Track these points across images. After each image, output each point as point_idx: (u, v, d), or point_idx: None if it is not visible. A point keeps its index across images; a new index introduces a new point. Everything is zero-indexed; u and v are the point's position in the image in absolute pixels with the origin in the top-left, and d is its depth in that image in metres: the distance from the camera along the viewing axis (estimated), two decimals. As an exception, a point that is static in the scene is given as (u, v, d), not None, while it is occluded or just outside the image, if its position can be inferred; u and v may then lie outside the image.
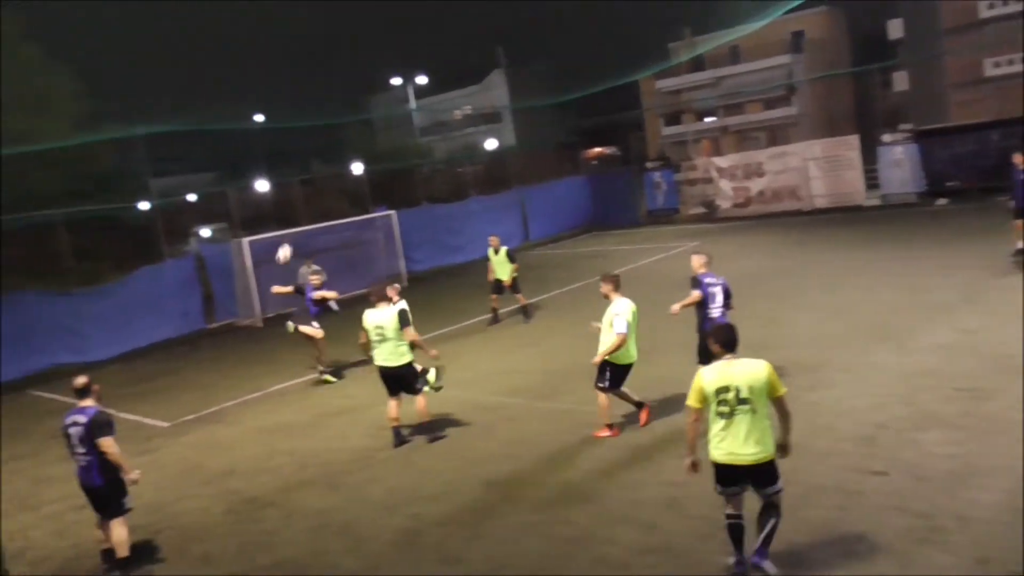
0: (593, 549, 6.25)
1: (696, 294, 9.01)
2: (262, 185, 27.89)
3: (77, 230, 20.65)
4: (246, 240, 19.67)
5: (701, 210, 27.45)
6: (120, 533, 6.94)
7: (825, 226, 21.86)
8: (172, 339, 18.78)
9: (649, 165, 30.13)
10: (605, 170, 39.47)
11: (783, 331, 11.72)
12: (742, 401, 5.42)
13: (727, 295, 9.20)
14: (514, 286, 15.60)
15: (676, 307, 9.05)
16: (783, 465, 7.04)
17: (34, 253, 20.43)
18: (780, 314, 12.82)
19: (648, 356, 11.31)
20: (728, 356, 5.67)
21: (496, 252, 15.68)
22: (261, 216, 29.24)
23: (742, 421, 5.41)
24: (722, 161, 27.71)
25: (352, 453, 9.35)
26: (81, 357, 17.31)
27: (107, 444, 6.73)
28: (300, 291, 13.19)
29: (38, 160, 22.69)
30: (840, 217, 23.08)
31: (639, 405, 8.92)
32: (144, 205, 23.24)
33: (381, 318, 9.10)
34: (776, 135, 53.79)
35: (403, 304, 9.66)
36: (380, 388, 11.86)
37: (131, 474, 6.92)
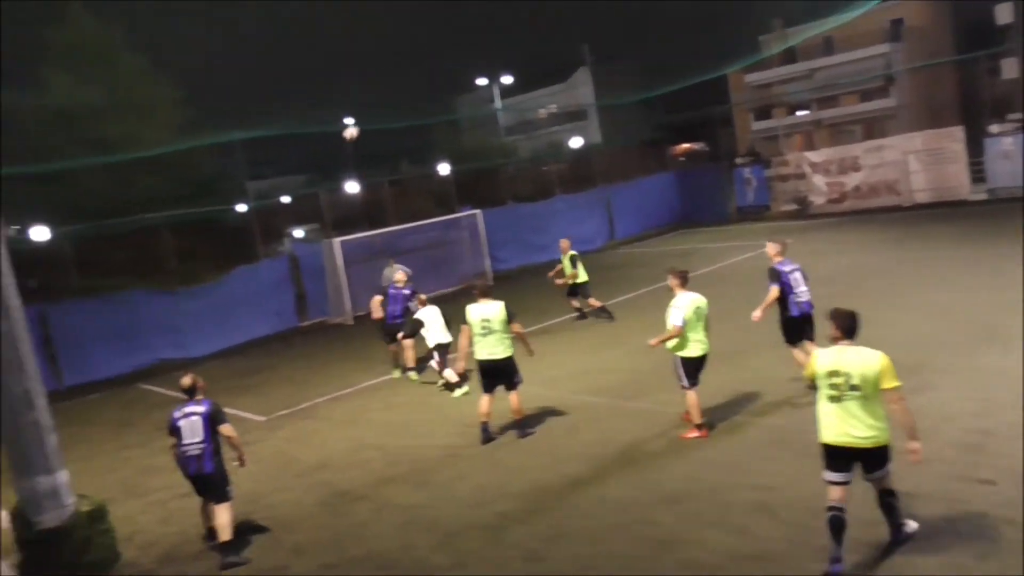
0: (681, 552, 6.16)
1: (774, 290, 9.23)
2: (352, 186, 28.55)
3: (179, 232, 21.64)
4: (337, 240, 20.21)
5: (793, 207, 26.67)
6: (224, 517, 7.40)
7: (926, 222, 20.90)
8: (267, 336, 19.45)
9: (738, 161, 29.45)
10: (693, 166, 38.80)
11: (880, 332, 11.20)
12: (853, 388, 5.47)
13: (806, 278, 9.47)
14: (582, 291, 15.55)
15: (758, 313, 9.18)
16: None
17: (141, 254, 21.53)
18: (877, 314, 12.30)
19: (736, 358, 11.13)
20: (845, 342, 5.72)
21: (566, 256, 15.77)
22: (351, 217, 29.96)
23: (853, 407, 5.46)
24: (815, 156, 26.84)
25: (439, 450, 9.48)
26: (183, 353, 18.13)
27: (228, 429, 7.49)
28: (385, 295, 13.45)
29: (144, 166, 23.89)
30: (942, 212, 22.03)
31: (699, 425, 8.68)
32: (241, 207, 24.15)
33: (488, 311, 9.26)
34: (873, 128, 51.76)
35: (431, 310, 11.51)
36: (467, 385, 12.06)
37: (243, 458, 7.67)
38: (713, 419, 8.88)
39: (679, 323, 8.36)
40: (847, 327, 5.76)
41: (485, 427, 9.42)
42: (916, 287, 13.66)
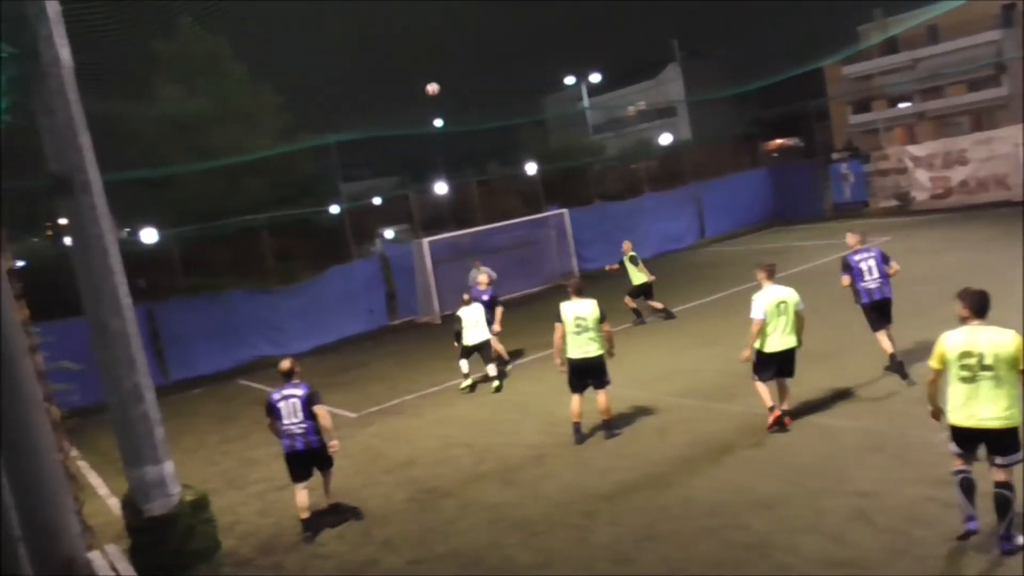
0: (772, 557, 6.00)
1: (844, 279, 10.06)
2: (441, 187, 28.97)
3: (278, 233, 22.43)
4: (425, 240, 20.55)
5: (893, 203, 25.58)
6: (330, 483, 8.31)
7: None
8: (359, 334, 19.94)
9: (835, 156, 28.49)
10: (787, 162, 37.69)
11: (989, 333, 10.68)
12: (985, 367, 5.41)
13: (885, 261, 9.83)
14: (644, 292, 15.57)
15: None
16: (989, 480, 6.46)
17: (242, 255, 22.42)
18: (987, 315, 11.70)
19: (829, 359, 10.77)
20: (976, 321, 5.68)
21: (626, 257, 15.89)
22: (440, 217, 30.40)
23: (985, 387, 5.40)
24: (918, 149, 25.65)
25: (526, 449, 9.52)
26: (281, 350, 18.72)
27: (323, 412, 8.05)
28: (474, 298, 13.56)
29: (248, 169, 24.88)
30: (1059, 207, 20.73)
31: (771, 408, 8.63)
32: (335, 209, 24.82)
33: (582, 309, 9.25)
34: (982, 119, 49.18)
35: (471, 309, 12.57)
36: (552, 385, 12.07)
37: (333, 442, 8.11)
38: (807, 422, 8.62)
39: (757, 316, 8.54)
40: (977, 306, 5.71)
41: (577, 427, 9.38)
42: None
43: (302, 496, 8.10)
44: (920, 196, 24.92)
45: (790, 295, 8.60)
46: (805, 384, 9.96)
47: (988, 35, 48.77)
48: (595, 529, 7.04)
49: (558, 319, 9.37)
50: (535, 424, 10.42)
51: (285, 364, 8.39)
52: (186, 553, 7.61)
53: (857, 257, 9.87)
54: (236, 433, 12.92)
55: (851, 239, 10.13)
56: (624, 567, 6.30)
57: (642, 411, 10.05)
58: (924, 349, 10.42)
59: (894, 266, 9.96)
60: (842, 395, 9.34)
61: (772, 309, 8.49)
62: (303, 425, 7.98)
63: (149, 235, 19.41)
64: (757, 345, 8.62)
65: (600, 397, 9.34)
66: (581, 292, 9.45)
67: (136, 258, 21.35)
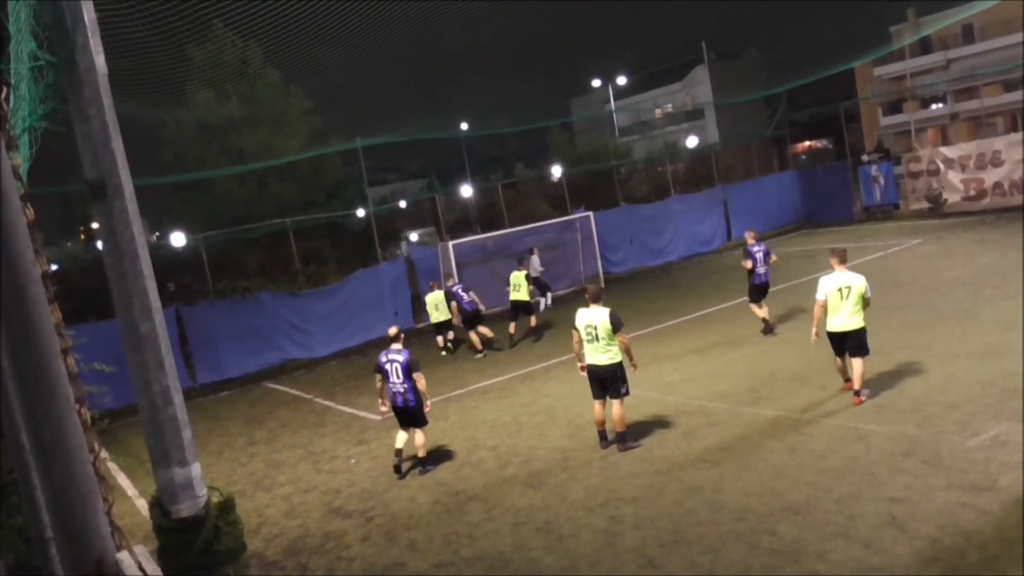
0: (802, 564, 5.92)
1: (748, 263, 13.55)
2: (466, 190, 29.02)
3: (305, 237, 22.61)
4: (451, 243, 20.60)
5: (925, 205, 25.22)
6: (421, 439, 9.57)
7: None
8: (385, 337, 19.95)
9: (865, 158, 28.07)
10: (816, 164, 37.30)
11: (1025, 337, 10.50)
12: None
13: (768, 254, 13.59)
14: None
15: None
16: (1017, 489, 6.33)
17: (269, 258, 22.63)
18: (1020, 317, 11.50)
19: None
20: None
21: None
22: (466, 220, 30.47)
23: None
24: (950, 151, 25.27)
25: (551, 452, 9.49)
26: (307, 353, 18.91)
27: (420, 378, 9.35)
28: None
29: (277, 173, 25.10)
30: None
31: (847, 379, 9.54)
32: (362, 212, 24.98)
33: (594, 317, 9.04)
34: (1017, 120, 48.33)
35: (434, 294, 16.14)
36: (578, 388, 12.04)
37: (426, 404, 9.47)
38: (837, 426, 8.52)
39: (819, 298, 9.39)
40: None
41: (602, 433, 9.28)
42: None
43: (400, 438, 9.68)
44: (952, 198, 24.55)
45: (856, 281, 9.14)
46: (834, 387, 9.86)
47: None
48: (621, 533, 7.00)
49: (575, 325, 9.31)
50: (561, 427, 10.40)
51: (392, 330, 10.05)
52: (212, 554, 7.64)
53: (755, 249, 13.56)
54: (263, 436, 13.03)
55: (749, 237, 14.19)
56: (650, 571, 6.26)
57: (668, 415, 9.98)
58: (952, 346, 10.26)
59: (773, 258, 13.75)
60: (873, 399, 9.20)
61: (834, 293, 9.20)
62: (404, 385, 9.36)
63: (178, 239, 19.65)
64: (825, 326, 9.40)
65: (614, 407, 9.08)
66: (598, 299, 9.16)
67: (166, 261, 21.70)
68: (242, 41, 23.40)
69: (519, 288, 16.47)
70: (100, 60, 5.63)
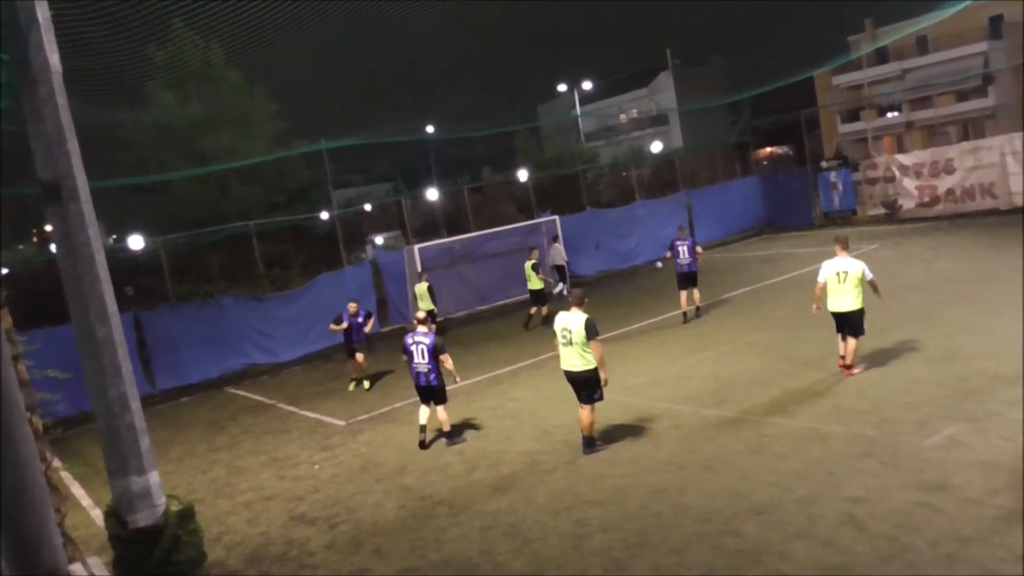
0: (765, 564, 5.98)
1: (669, 254, 15.89)
2: (433, 194, 28.94)
3: (268, 240, 22.33)
4: (417, 247, 20.51)
5: (882, 211, 25.71)
6: (443, 415, 10.38)
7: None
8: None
9: (824, 164, 28.56)
10: (778, 170, 37.85)
11: (978, 340, 10.75)
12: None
13: (695, 246, 15.48)
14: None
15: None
16: (976, 485, 6.48)
17: (232, 262, 22.32)
18: (974, 321, 11.77)
19: (821, 364, 10.81)
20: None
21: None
22: (432, 223, 30.36)
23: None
24: (906, 158, 25.79)
25: (518, 456, 9.48)
26: (271, 358, 18.67)
27: (447, 359, 10.17)
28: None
29: (240, 176, 24.79)
30: (1047, 215, 20.85)
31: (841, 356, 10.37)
32: (326, 215, 24.78)
33: (570, 321, 8.99)
34: (969, 129, 49.53)
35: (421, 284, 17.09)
36: (544, 392, 12.06)
37: (457, 379, 10.65)
38: (798, 427, 8.63)
39: (819, 280, 10.34)
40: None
41: (587, 441, 9.16)
42: (1016, 294, 12.95)
43: (424, 413, 10.46)
44: (908, 204, 25.06)
45: (852, 267, 10.00)
46: (796, 389, 10.01)
47: (976, 46, 49.12)
48: (588, 536, 7.01)
49: (554, 327, 9.29)
50: (527, 431, 10.39)
51: (421, 315, 10.89)
52: (171, 564, 7.49)
53: (678, 243, 15.54)
54: (225, 442, 12.84)
55: (679, 232, 16.37)
56: (617, 573, 6.27)
57: (634, 418, 10.03)
58: (910, 350, 10.47)
59: (699, 251, 15.54)
60: (833, 401, 9.35)
61: (833, 277, 10.11)
62: (428, 365, 10.17)
63: (137, 242, 19.28)
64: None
65: (583, 411, 9.07)
66: (580, 303, 9.09)
67: (124, 265, 21.27)
68: (204, 42, 23.09)
69: (530, 278, 18.09)
70: (54, 59, 5.52)
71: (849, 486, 6.99)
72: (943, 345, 10.75)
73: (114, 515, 7.39)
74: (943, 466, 7.03)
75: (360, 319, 14.86)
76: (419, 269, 19.36)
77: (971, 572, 5.34)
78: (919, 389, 9.18)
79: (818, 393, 9.74)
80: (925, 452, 7.41)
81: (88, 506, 10.43)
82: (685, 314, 15.52)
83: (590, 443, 9.13)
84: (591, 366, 8.94)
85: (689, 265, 15.35)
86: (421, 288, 18.13)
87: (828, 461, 7.64)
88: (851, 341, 10.13)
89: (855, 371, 10.19)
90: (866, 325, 10.18)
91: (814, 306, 10.55)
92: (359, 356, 14.86)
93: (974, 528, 5.87)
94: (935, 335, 11.28)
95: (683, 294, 15.53)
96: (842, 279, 10.03)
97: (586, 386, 9.02)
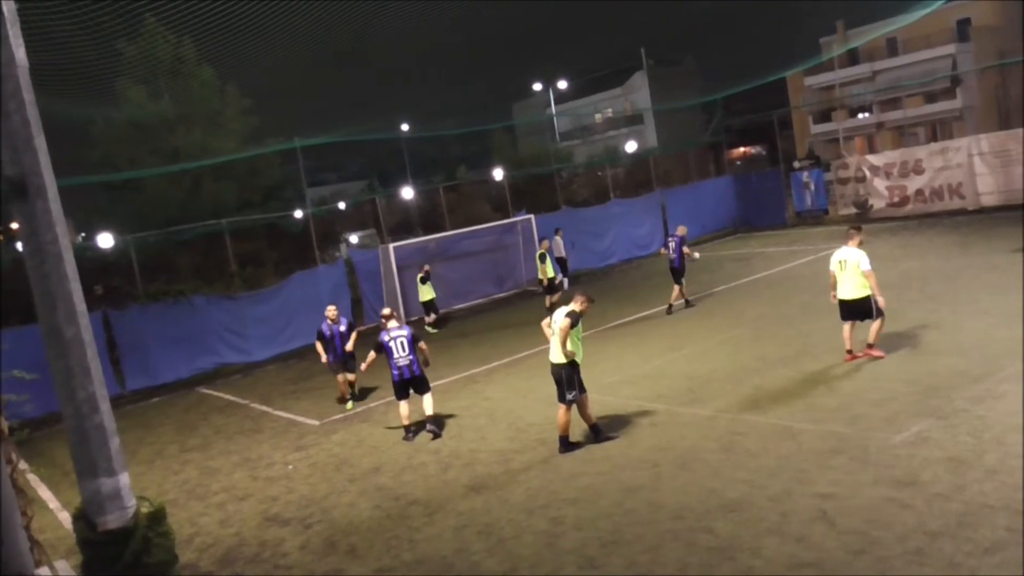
0: (737, 560, 6.03)
1: (663, 250, 16.65)
2: (407, 192, 28.84)
3: (241, 238, 22.13)
4: (392, 245, 20.43)
5: (853, 210, 26.05)
6: (429, 401, 10.70)
7: (993, 226, 20.15)
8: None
9: (797, 164, 28.88)
10: (750, 170, 38.20)
11: (946, 337, 10.93)
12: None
13: (682, 244, 16.18)
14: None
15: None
16: (944, 481, 6.58)
17: (204, 260, 22.09)
18: (943, 319, 11.97)
19: (793, 362, 10.94)
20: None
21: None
22: (407, 222, 30.29)
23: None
24: (876, 159, 26.16)
25: (492, 454, 9.48)
26: (244, 358, 18.51)
27: (424, 345, 10.67)
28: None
29: (212, 173, 24.53)
30: (1010, 216, 21.22)
31: (848, 351, 10.63)
32: (299, 214, 24.61)
33: (558, 314, 9.05)
34: (938, 130, 50.30)
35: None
36: (519, 390, 12.08)
37: (429, 360, 10.84)
38: (770, 425, 8.71)
39: (831, 268, 10.71)
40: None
41: (562, 440, 9.12)
42: (983, 292, 13.19)
43: (404, 409, 10.65)
44: (878, 204, 25.41)
45: (850, 256, 10.40)
46: (768, 387, 10.10)
47: (944, 49, 49.87)
48: (562, 534, 7.03)
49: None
50: (502, 430, 10.39)
51: (386, 311, 11.27)
52: (142, 567, 7.40)
53: (670, 239, 16.38)
54: (197, 443, 12.71)
55: (678, 228, 16.93)
56: (591, 571, 6.30)
57: (609, 416, 10.06)
58: (887, 350, 10.62)
59: (686, 250, 16.17)
60: (804, 398, 9.45)
61: (836, 265, 10.56)
62: (409, 357, 10.42)
63: (106, 240, 19.00)
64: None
65: (560, 411, 9.07)
66: (570, 300, 9.13)
67: (93, 264, 20.99)
68: (175, 37, 22.82)
69: (539, 268, 19.08)
70: (20, 53, 5.42)
71: (820, 482, 7.07)
72: (911, 342, 10.91)
73: (83, 517, 7.28)
74: (912, 462, 7.13)
75: (343, 327, 13.13)
76: (423, 264, 20.25)
77: (938, 568, 5.42)
78: (888, 386, 9.31)
79: (790, 391, 9.84)
80: (894, 448, 7.51)
81: (56, 508, 10.28)
82: (670, 306, 16.21)
83: (564, 442, 9.10)
84: (566, 360, 8.93)
85: (672, 261, 16.23)
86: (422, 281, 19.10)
87: (799, 458, 7.73)
88: (872, 325, 10.32)
89: (874, 353, 10.39)
90: (835, 322, 10.37)
91: (831, 294, 10.81)
92: (351, 376, 13.16)
93: (942, 523, 5.97)
94: (903, 332, 11.44)
95: (676, 288, 16.31)
96: (843, 267, 10.46)
97: (559, 382, 9.04)
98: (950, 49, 49.77)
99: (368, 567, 7.14)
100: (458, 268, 21.96)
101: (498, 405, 11.64)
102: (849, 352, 10.54)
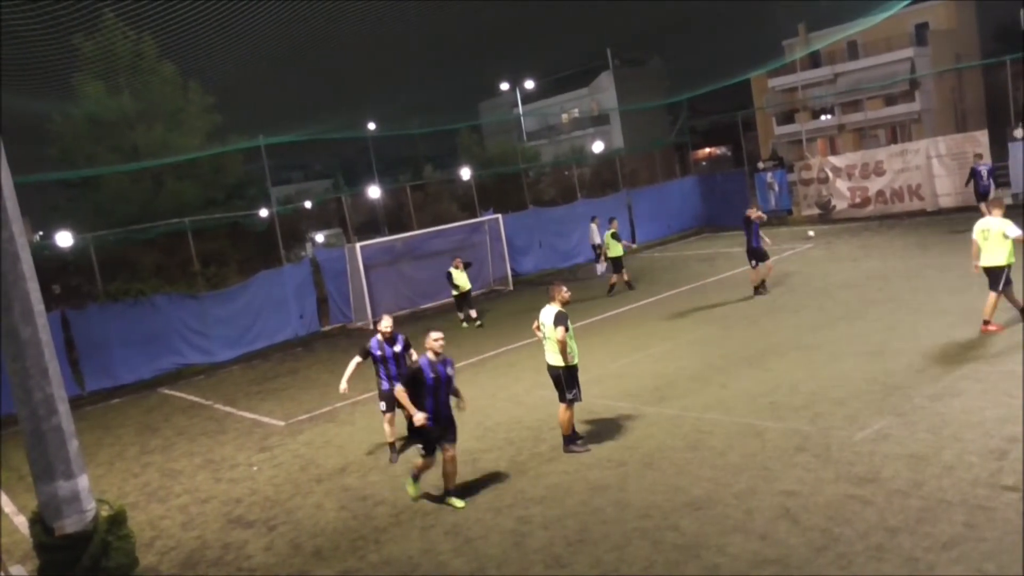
0: (703, 558, 6.09)
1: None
2: (374, 191, 28.66)
3: (204, 237, 21.82)
4: (357, 245, 20.30)
5: (816, 211, 26.44)
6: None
7: (951, 226, 20.58)
8: (290, 341, 19.54)
9: (761, 165, 29.23)
10: (715, 171, 38.59)
11: (906, 336, 11.13)
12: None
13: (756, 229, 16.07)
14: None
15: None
16: (903, 477, 6.70)
17: (166, 259, 21.74)
18: (902, 318, 12.19)
19: (757, 361, 11.06)
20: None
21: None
22: (373, 221, 30.12)
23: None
24: (838, 160, 26.58)
25: (459, 454, 9.40)
26: (207, 358, 18.25)
27: (416, 355, 9.47)
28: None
29: (174, 171, 24.13)
30: (967, 217, 21.65)
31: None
32: (264, 212, 24.35)
33: (545, 315, 9.00)
34: (898, 132, 51.29)
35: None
36: (486, 390, 12.06)
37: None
38: (735, 423, 8.80)
39: (972, 238, 10.95)
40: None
41: (565, 439, 9.05)
42: (941, 292, 13.47)
43: (388, 426, 9.73)
44: (840, 205, 25.81)
45: (995, 225, 10.61)
46: (733, 385, 10.20)
47: (903, 52, 50.86)
48: (529, 533, 7.03)
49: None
50: (469, 429, 10.35)
51: (386, 324, 10.04)
52: (100, 571, 7.27)
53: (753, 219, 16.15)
54: (158, 444, 12.50)
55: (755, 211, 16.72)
56: (558, 571, 6.31)
57: (576, 415, 10.06)
58: (840, 346, 10.78)
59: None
60: (769, 396, 9.55)
61: (979, 234, 10.80)
62: (397, 370, 9.56)
63: (65, 239, 18.61)
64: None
65: (561, 411, 9.02)
66: (554, 298, 9.00)
67: (51, 263, 20.57)
68: (135, 33, 22.41)
69: (610, 246, 19.23)
70: (-24, 47, 5.28)
71: (784, 480, 7.16)
72: (872, 341, 11.10)
73: (40, 522, 7.14)
74: (873, 459, 7.25)
75: (398, 347, 9.97)
76: (358, 271, 19.64)
77: (898, 562, 5.52)
78: (850, 384, 9.46)
79: (754, 389, 9.95)
80: (856, 446, 7.64)
81: (11, 513, 10.06)
82: (760, 285, 16.10)
83: (569, 440, 9.04)
84: (562, 363, 8.90)
85: (750, 241, 16.27)
86: (458, 274, 18.35)
87: (764, 456, 7.82)
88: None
89: (991, 328, 10.62)
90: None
91: (974, 264, 10.96)
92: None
93: (901, 519, 6.08)
94: (864, 332, 11.63)
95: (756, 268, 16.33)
96: (985, 236, 10.70)
97: (558, 384, 9.02)
98: (908, 52, 50.79)
99: (334, 568, 7.08)
100: (425, 268, 21.87)
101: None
102: (986, 322, 10.73)
